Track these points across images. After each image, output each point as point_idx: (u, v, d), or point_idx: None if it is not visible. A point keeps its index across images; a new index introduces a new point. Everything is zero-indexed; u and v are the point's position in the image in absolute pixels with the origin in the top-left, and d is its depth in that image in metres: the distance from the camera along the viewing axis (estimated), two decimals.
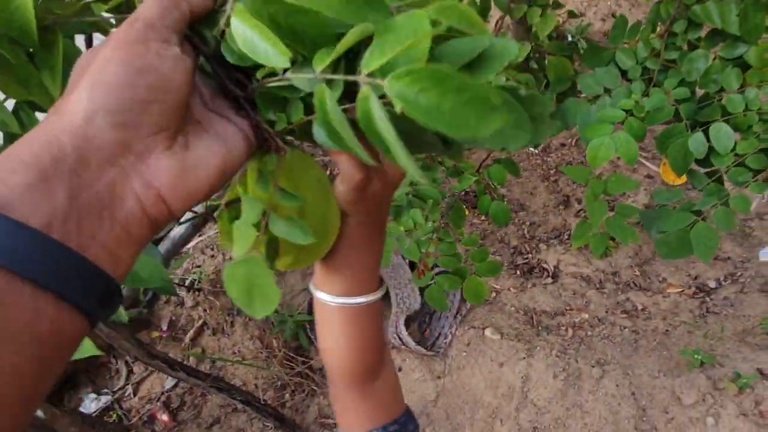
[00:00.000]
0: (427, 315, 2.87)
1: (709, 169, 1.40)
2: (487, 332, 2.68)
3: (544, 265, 3.03)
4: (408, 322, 2.80)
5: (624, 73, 1.49)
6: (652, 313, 2.73)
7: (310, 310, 2.92)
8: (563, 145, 3.58)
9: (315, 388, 2.76)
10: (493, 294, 2.94)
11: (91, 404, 2.97)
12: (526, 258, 3.08)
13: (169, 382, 2.96)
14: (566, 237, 3.12)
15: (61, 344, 0.35)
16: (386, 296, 2.79)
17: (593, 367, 2.49)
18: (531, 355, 2.57)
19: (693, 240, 1.29)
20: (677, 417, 2.31)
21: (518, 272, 3.02)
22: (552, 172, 3.44)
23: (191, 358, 3.01)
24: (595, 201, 1.54)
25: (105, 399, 3.00)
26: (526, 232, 3.22)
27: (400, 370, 2.70)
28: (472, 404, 2.55)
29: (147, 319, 3.17)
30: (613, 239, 1.92)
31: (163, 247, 3.35)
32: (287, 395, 2.78)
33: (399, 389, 0.76)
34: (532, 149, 3.58)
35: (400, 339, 2.63)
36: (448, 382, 2.63)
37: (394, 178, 0.56)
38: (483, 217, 3.31)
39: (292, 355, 2.81)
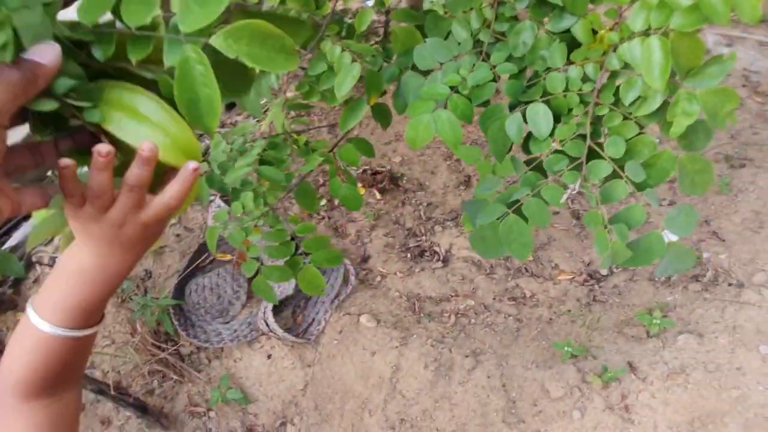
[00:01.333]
0: (303, 299, 2.77)
1: (530, 156, 1.30)
2: (363, 319, 2.59)
3: (436, 248, 2.95)
4: (281, 308, 2.71)
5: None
6: (540, 301, 2.68)
7: (176, 295, 2.79)
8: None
9: (182, 376, 2.65)
10: (379, 278, 2.85)
11: None
12: (419, 240, 3.00)
13: None
14: (461, 221, 3.04)
15: None
16: None
17: (467, 357, 2.43)
18: (405, 344, 2.49)
19: (503, 235, 1.17)
20: (545, 410, 2.26)
21: (409, 255, 2.94)
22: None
23: None
24: (482, 183, 1.44)
25: None
26: (422, 213, 3.13)
27: (269, 357, 2.61)
28: (342, 394, 2.47)
29: (13, 300, 3.01)
30: None
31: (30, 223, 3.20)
32: (155, 382, 2.66)
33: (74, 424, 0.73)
34: None
35: (267, 325, 2.53)
36: (318, 371, 2.54)
37: (148, 219, 0.61)
38: (380, 197, 3.22)
39: (156, 342, 2.68)
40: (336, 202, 3.26)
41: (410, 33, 1.45)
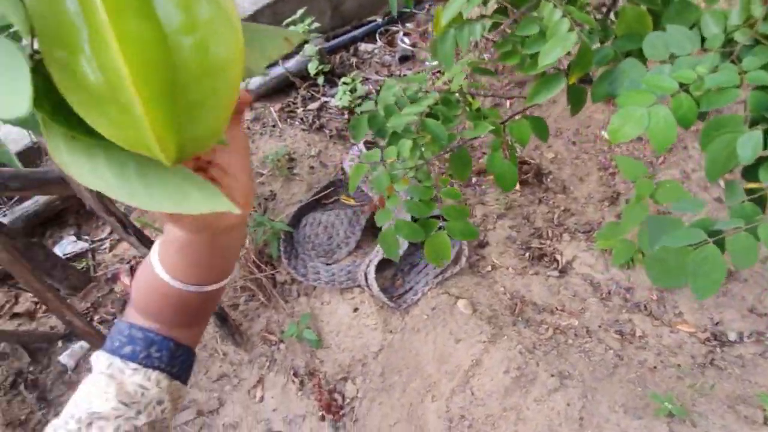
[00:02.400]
0: (408, 265, 2.75)
1: (753, 185, 1.16)
2: (460, 303, 2.53)
3: (557, 256, 2.80)
4: (385, 265, 2.70)
5: (704, 42, 1.22)
6: (649, 345, 2.48)
7: (292, 222, 2.86)
8: (640, 139, 3.27)
9: (269, 300, 2.73)
10: (489, 268, 2.76)
11: (67, 246, 3.09)
12: (543, 243, 2.87)
13: (132, 251, 3.02)
14: (595, 236, 2.87)
15: None
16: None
17: (552, 376, 2.30)
18: (493, 342, 2.40)
19: (692, 265, 1.04)
20: None
21: (527, 255, 2.82)
22: (614, 164, 3.16)
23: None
24: (636, 203, 1.37)
25: (82, 245, 3.11)
26: (556, 216, 2.98)
27: (355, 310, 2.62)
28: (411, 370, 2.44)
29: None
30: (642, 253, 1.71)
31: None
32: (242, 299, 2.77)
33: (188, 332, 0.76)
34: (605, 134, 3.29)
35: (366, 279, 2.53)
36: (398, 339, 2.51)
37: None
38: (518, 188, 3.10)
39: (258, 260, 2.78)
40: (473, 179, 3.19)
41: (640, 16, 1.32)
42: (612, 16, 1.47)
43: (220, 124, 0.42)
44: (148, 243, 2.18)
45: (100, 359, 0.68)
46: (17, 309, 2.95)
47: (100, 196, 2.03)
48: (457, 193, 1.58)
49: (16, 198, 3.05)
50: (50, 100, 0.38)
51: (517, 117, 1.60)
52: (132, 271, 2.97)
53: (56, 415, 2.58)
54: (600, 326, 2.55)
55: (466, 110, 1.64)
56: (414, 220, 1.54)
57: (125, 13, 0.33)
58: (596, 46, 1.31)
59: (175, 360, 0.72)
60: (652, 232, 1.16)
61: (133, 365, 0.68)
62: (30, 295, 2.95)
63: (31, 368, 2.78)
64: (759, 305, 2.57)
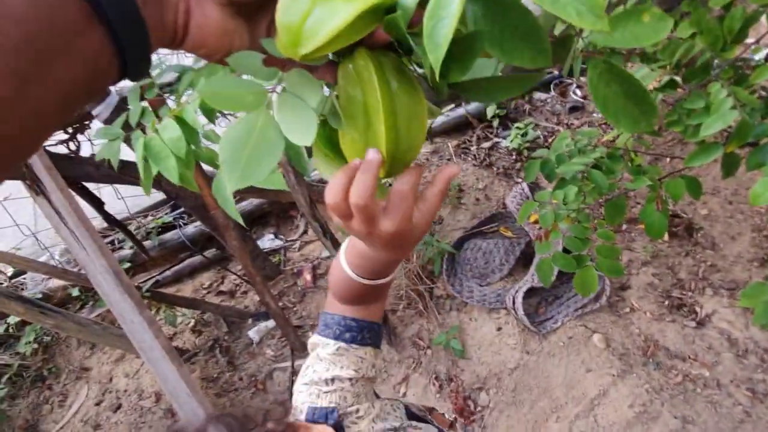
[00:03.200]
0: (552, 296, 3.00)
1: None
2: (595, 337, 2.74)
3: (697, 308, 2.92)
4: (530, 294, 2.97)
5: None
6: None
7: (455, 245, 3.22)
8: None
9: (425, 310, 3.10)
10: (627, 310, 2.94)
11: (266, 242, 3.66)
12: (684, 294, 2.99)
13: (326, 252, 3.51)
14: (739, 294, 2.94)
15: (88, 67, 0.41)
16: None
17: (675, 418, 2.45)
18: (622, 377, 2.59)
19: None
20: None
21: (666, 303, 2.95)
22: None
23: None
24: None
25: (278, 243, 3.67)
26: (701, 271, 3.08)
27: (498, 329, 2.91)
28: (542, 390, 2.69)
29: None
30: None
31: None
32: (401, 306, 3.16)
33: (377, 313, 0.99)
34: None
35: (513, 302, 2.83)
36: (533, 360, 2.78)
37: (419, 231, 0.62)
38: (667, 239, 3.24)
39: (422, 274, 3.16)
40: (624, 226, 3.37)
41: None
42: None
43: (413, 156, 0.57)
44: (338, 246, 2.63)
45: (328, 343, 0.95)
46: (222, 288, 3.55)
47: (312, 205, 2.51)
48: (610, 235, 1.81)
49: (236, 199, 3.69)
50: (323, 138, 0.65)
51: (674, 175, 1.80)
52: (314, 269, 3.47)
53: (240, 378, 3.12)
54: (731, 381, 2.64)
55: (627, 165, 1.88)
56: (566, 251, 1.81)
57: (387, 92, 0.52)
58: (757, 122, 1.39)
59: (377, 337, 0.99)
60: None
61: (355, 345, 0.95)
62: (233, 278, 3.55)
63: (226, 337, 3.35)
64: None
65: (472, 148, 3.79)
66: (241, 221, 1.01)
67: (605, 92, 0.51)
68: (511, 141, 3.67)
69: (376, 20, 0.48)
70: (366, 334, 0.96)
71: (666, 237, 3.23)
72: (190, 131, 1.03)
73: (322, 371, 0.93)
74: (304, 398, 0.91)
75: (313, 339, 0.98)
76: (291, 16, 0.45)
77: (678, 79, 1.53)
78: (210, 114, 1.14)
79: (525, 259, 3.15)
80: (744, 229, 3.21)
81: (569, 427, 2.53)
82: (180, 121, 1.04)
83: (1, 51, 0.35)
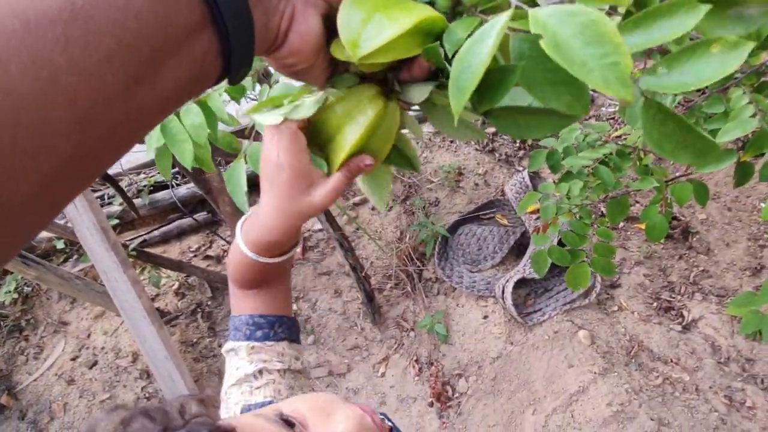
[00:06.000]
0: (542, 288, 3.03)
1: None
2: (581, 333, 2.78)
3: (684, 312, 2.95)
4: (520, 284, 3.00)
5: None
6: (757, 417, 2.58)
7: (450, 229, 3.24)
8: None
9: (413, 292, 3.12)
10: (615, 308, 2.97)
11: None
12: (673, 297, 3.02)
13: (317, 225, 3.52)
14: (728, 301, 2.98)
15: (194, 69, 0.41)
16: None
17: (651, 420, 2.50)
18: (603, 375, 2.63)
19: None
20: None
21: (655, 304, 2.99)
22: (765, 237, 3.22)
23: (345, 217, 3.53)
24: None
25: None
26: (692, 275, 3.11)
27: (485, 317, 2.94)
28: (521, 382, 2.72)
29: None
30: None
31: None
32: (389, 286, 3.19)
33: (284, 304, 0.97)
34: (762, 205, 3.35)
35: (503, 292, 2.85)
36: (516, 352, 2.81)
37: (314, 198, 0.69)
38: (662, 241, 3.27)
39: (413, 255, 3.18)
40: (621, 224, 3.39)
41: None
42: None
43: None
44: (332, 219, 2.64)
45: (241, 345, 0.91)
46: (210, 252, 3.56)
47: None
48: (609, 233, 1.83)
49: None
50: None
51: (681, 179, 1.81)
52: (304, 241, 3.48)
53: (219, 345, 3.15)
54: (710, 387, 2.68)
55: (636, 164, 1.88)
56: (560, 245, 1.82)
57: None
58: None
59: (291, 331, 0.95)
60: None
61: (269, 342, 0.91)
62: (221, 243, 3.56)
63: (209, 302, 3.38)
64: None
65: None
66: (246, 210, 1.01)
67: (660, 132, 0.50)
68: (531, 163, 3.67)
69: (427, 42, 0.53)
70: (278, 328, 0.94)
71: (662, 242, 3.26)
72: (211, 117, 1.03)
73: (247, 367, 0.90)
74: (237, 398, 0.89)
75: (227, 345, 0.94)
76: (353, 21, 0.50)
77: None
78: (237, 94, 1.14)
79: (518, 249, 3.17)
80: (740, 237, 3.23)
81: (545, 421, 2.57)
82: (204, 107, 1.03)
83: (120, 46, 0.35)
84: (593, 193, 1.76)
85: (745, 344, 2.81)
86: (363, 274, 2.84)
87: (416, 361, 2.91)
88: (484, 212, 3.34)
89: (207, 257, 3.52)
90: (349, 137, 0.65)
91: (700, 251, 3.21)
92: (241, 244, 0.80)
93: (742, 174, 1.66)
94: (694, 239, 3.26)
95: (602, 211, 3.10)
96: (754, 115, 1.29)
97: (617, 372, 2.66)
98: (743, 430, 2.53)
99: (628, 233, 3.30)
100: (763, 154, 1.51)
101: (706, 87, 1.51)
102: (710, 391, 2.67)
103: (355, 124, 0.64)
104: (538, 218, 2.94)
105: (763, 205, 3.34)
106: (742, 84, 1.39)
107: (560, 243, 1.81)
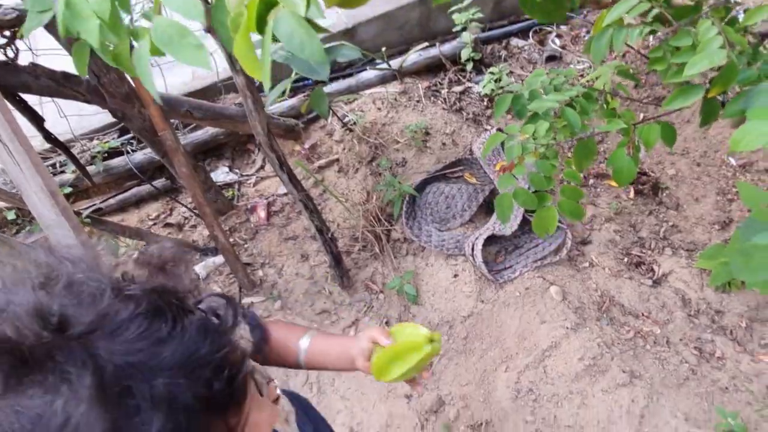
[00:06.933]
0: (512, 245, 3.03)
1: None
2: (552, 289, 2.79)
3: (655, 267, 2.98)
4: (491, 240, 2.99)
5: None
6: (726, 367, 2.63)
7: (417, 188, 3.21)
8: None
9: (381, 253, 3.10)
10: (587, 264, 2.99)
11: (220, 175, 3.60)
12: (643, 252, 3.05)
13: (282, 189, 3.47)
14: (698, 255, 3.01)
15: None
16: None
17: (623, 372, 2.52)
18: (575, 330, 2.65)
19: None
20: None
21: (626, 260, 3.01)
22: (734, 191, 3.26)
23: (311, 181, 3.48)
24: (744, 260, 1.35)
25: (232, 177, 3.61)
26: (662, 231, 3.14)
27: (455, 276, 2.93)
28: (493, 340, 2.73)
29: (299, 133, 3.68)
30: (742, 282, 1.89)
31: (346, 83, 3.80)
32: (357, 248, 3.16)
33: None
34: (732, 161, 3.39)
35: (472, 249, 2.84)
36: (487, 309, 2.81)
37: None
38: (632, 196, 3.28)
39: (380, 215, 3.15)
40: (591, 181, 3.40)
41: None
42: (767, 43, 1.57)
43: None
44: (295, 180, 2.59)
45: None
46: (170, 220, 3.49)
47: (269, 135, 2.45)
48: (577, 175, 1.80)
49: (191, 126, 3.59)
50: None
51: (649, 121, 1.75)
52: (269, 206, 3.43)
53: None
54: (681, 340, 2.72)
55: (603, 107, 1.86)
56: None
57: None
58: (743, 66, 1.38)
59: (254, 348, 1.12)
60: (746, 231, 1.25)
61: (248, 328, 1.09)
62: (182, 210, 3.49)
63: None
64: None
65: (442, 91, 3.75)
66: (157, 97, 0.98)
67: None
68: (484, 86, 3.65)
69: None
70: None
71: (631, 195, 3.28)
72: None
73: None
74: None
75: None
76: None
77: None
78: None
79: (487, 207, 3.16)
80: (709, 192, 3.27)
81: (518, 378, 2.58)
82: None
83: None
84: (560, 134, 1.74)
85: (714, 297, 2.85)
86: (329, 235, 2.80)
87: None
88: (452, 171, 3.32)
89: (167, 225, 3.45)
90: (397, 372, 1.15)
91: (670, 207, 3.25)
92: (303, 356, 1.23)
93: (708, 112, 1.66)
94: (664, 195, 3.29)
95: (569, 157, 3.12)
96: (722, 47, 1.28)
97: (589, 327, 2.68)
98: (713, 380, 2.57)
99: (598, 190, 3.32)
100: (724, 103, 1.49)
101: (678, 19, 1.50)
102: (681, 343, 2.70)
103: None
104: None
105: (731, 159, 3.39)
106: (711, 16, 1.37)
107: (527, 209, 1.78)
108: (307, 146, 3.60)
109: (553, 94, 1.78)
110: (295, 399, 1.37)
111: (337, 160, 3.52)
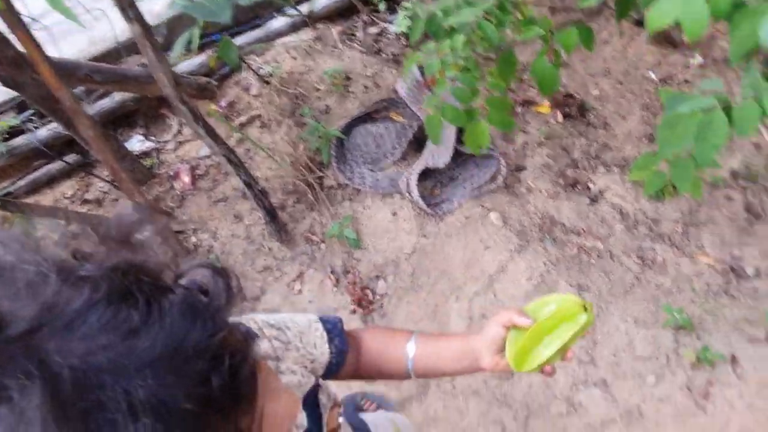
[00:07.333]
0: (447, 179, 3.00)
1: None
2: (492, 215, 2.78)
3: (590, 185, 3.02)
4: (426, 176, 2.95)
5: None
6: (668, 272, 2.68)
7: (343, 131, 3.13)
8: (687, 81, 3.42)
9: (317, 203, 3.02)
10: (524, 190, 2.99)
11: (136, 144, 3.43)
12: (578, 172, 3.08)
13: (204, 151, 3.33)
14: (630, 168, 3.06)
15: None
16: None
17: (571, 286, 2.54)
18: (519, 252, 2.65)
19: (699, 128, 1.20)
20: (622, 363, 2.35)
21: (561, 181, 3.03)
22: (657, 104, 3.32)
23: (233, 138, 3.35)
24: (710, 158, 1.37)
25: (149, 145, 3.44)
26: (594, 150, 3.17)
27: (394, 215, 2.89)
28: (440, 272, 2.70)
29: (213, 91, 3.53)
30: (673, 187, 1.91)
31: (256, 34, 3.67)
32: (291, 201, 3.06)
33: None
34: (652, 75, 3.45)
35: (408, 185, 2.80)
36: (430, 243, 2.78)
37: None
38: (561, 119, 3.30)
39: (310, 164, 3.07)
40: (518, 109, 3.40)
41: None
42: None
43: None
44: (213, 134, 2.48)
45: (310, 314, 1.02)
46: (87, 196, 3.31)
47: (176, 88, 2.32)
48: (501, 85, 1.78)
49: (98, 94, 3.39)
50: None
51: (566, 27, 1.77)
52: (192, 170, 3.29)
53: None
54: (623, 251, 2.76)
55: (519, 16, 1.84)
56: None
57: None
58: None
59: (338, 356, 1.02)
60: (670, 103, 1.28)
61: (325, 335, 1.00)
62: (100, 185, 3.31)
63: None
64: None
65: (358, 34, 3.67)
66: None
67: None
68: (399, 25, 3.58)
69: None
70: (338, 342, 1.03)
71: (560, 118, 3.30)
72: None
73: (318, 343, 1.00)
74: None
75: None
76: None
77: None
78: None
79: (418, 144, 3.11)
80: (633, 108, 3.32)
81: (469, 306, 2.57)
82: None
83: None
84: (478, 46, 1.72)
85: (649, 207, 2.90)
86: (259, 189, 2.70)
87: (332, 272, 2.83)
88: (378, 112, 3.26)
89: (85, 202, 3.27)
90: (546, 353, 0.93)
91: (598, 126, 3.28)
92: (410, 363, 1.05)
93: (623, 4, 1.66)
94: (591, 115, 3.32)
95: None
96: None
97: (533, 248, 2.69)
98: (657, 285, 2.63)
99: (527, 117, 3.32)
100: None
101: None
102: (623, 254, 2.74)
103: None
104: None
105: (651, 74, 3.45)
106: None
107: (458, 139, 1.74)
108: (223, 104, 3.46)
109: (466, 8, 1.74)
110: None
111: (259, 115, 3.41)
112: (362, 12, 3.74)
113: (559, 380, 2.34)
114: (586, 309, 0.92)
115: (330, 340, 0.99)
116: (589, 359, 2.38)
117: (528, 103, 3.36)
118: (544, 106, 3.34)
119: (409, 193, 2.79)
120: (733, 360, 2.28)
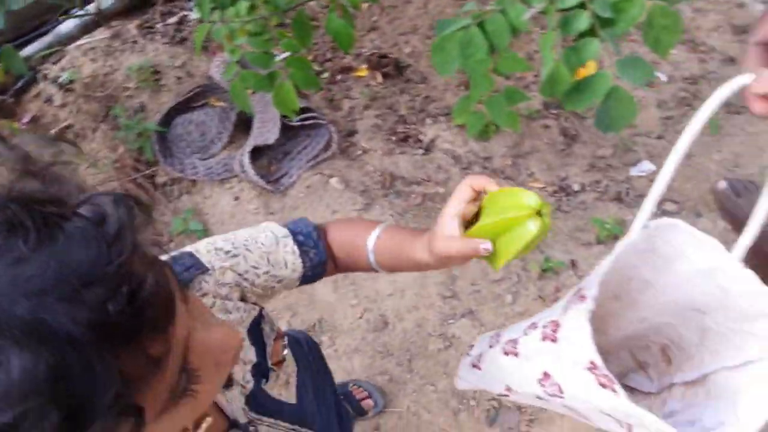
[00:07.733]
0: (281, 154, 2.98)
1: None
2: (332, 181, 2.80)
3: (421, 137, 3.12)
4: (259, 155, 2.91)
5: None
6: None
7: (162, 123, 3.00)
8: None
9: (153, 202, 2.88)
10: (359, 152, 3.04)
11: None
12: (407, 127, 3.17)
13: None
14: (452, 112, 3.21)
15: None
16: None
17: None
18: (366, 210, 2.69)
19: (461, 46, 1.30)
20: (482, 290, 2.47)
21: (394, 138, 3.11)
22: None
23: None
24: (481, 74, 1.45)
25: None
26: (418, 104, 3.29)
27: (236, 199, 2.83)
28: None
29: (11, 108, 3.26)
30: (496, 126, 1.98)
31: (46, 41, 3.41)
32: None
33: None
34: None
35: (242, 167, 2.75)
36: (278, 219, 2.75)
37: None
38: (381, 80, 3.38)
39: (136, 165, 2.92)
40: (338, 77, 3.44)
41: None
42: None
43: None
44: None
45: (279, 228, 1.03)
46: None
47: None
48: (296, 45, 1.79)
49: None
50: None
51: None
52: None
53: None
54: None
55: None
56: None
57: None
58: None
59: (315, 268, 1.00)
60: (439, 29, 1.38)
61: (297, 250, 0.98)
62: None
63: None
64: (596, 161, 3.01)
65: (158, 26, 3.53)
66: None
67: None
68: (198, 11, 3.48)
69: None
70: (314, 257, 1.01)
71: (379, 80, 3.38)
72: None
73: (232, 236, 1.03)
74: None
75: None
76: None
77: None
78: None
79: (244, 126, 3.06)
80: None
81: None
82: None
83: None
84: (264, 9, 1.73)
85: (478, 146, 3.06)
86: None
87: None
88: (196, 100, 3.16)
89: None
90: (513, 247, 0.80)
91: (417, 81, 3.40)
92: (372, 255, 0.97)
93: None
94: (408, 72, 3.43)
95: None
96: None
97: (379, 204, 2.74)
98: None
99: (348, 83, 3.37)
100: None
101: None
102: None
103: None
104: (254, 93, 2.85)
105: None
106: None
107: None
108: (26, 121, 3.20)
109: None
110: (302, 343, 1.28)
111: (69, 126, 3.19)
112: (157, 2, 3.60)
113: (429, 319, 2.42)
114: (540, 214, 0.78)
115: (304, 253, 0.99)
116: (452, 294, 2.47)
117: (346, 69, 3.42)
118: (362, 70, 3.41)
119: (246, 174, 2.74)
120: (573, 264, 2.48)
